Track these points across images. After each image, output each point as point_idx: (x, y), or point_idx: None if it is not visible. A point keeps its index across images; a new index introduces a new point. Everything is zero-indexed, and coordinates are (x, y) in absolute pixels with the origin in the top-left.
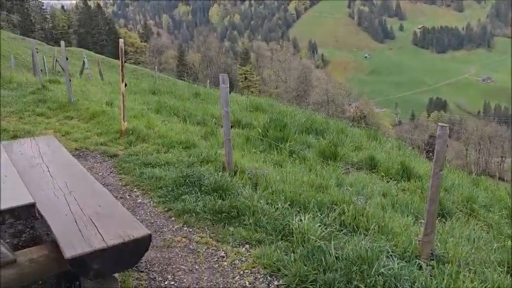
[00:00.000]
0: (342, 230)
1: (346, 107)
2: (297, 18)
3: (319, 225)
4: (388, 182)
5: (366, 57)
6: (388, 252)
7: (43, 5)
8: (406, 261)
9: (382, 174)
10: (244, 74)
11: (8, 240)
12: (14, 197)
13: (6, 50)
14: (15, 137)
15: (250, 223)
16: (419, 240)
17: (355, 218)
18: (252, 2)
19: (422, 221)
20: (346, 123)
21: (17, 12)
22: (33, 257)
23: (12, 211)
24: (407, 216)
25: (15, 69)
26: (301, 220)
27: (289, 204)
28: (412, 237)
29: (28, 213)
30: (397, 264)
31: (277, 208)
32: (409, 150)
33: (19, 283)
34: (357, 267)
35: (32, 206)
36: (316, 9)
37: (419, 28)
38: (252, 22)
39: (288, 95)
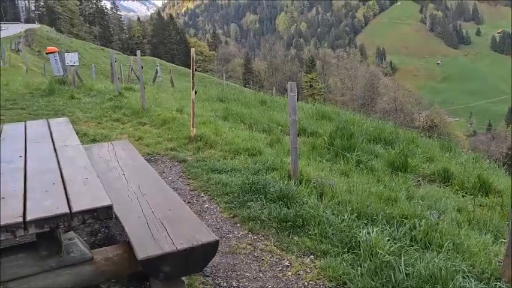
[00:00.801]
0: (413, 246)
1: (415, 115)
2: (365, 25)
3: (388, 240)
4: (463, 196)
5: (438, 64)
6: (464, 272)
7: (121, 17)
8: (484, 284)
9: (457, 188)
10: (310, 81)
11: (86, 238)
12: (94, 199)
13: (88, 59)
14: (94, 140)
15: (316, 233)
16: (499, 262)
17: (428, 233)
18: (319, 9)
19: (504, 240)
20: (417, 133)
21: (98, 25)
22: (109, 256)
23: (92, 212)
24: (486, 234)
25: (96, 77)
26: (368, 233)
27: (356, 216)
28: (491, 257)
29: (106, 214)
30: (475, 285)
31: (344, 219)
32: (487, 163)
33: (95, 280)
34: (430, 286)
35: (110, 207)
36: (386, 15)
37: (498, 32)
38: (318, 30)
39: (354, 103)
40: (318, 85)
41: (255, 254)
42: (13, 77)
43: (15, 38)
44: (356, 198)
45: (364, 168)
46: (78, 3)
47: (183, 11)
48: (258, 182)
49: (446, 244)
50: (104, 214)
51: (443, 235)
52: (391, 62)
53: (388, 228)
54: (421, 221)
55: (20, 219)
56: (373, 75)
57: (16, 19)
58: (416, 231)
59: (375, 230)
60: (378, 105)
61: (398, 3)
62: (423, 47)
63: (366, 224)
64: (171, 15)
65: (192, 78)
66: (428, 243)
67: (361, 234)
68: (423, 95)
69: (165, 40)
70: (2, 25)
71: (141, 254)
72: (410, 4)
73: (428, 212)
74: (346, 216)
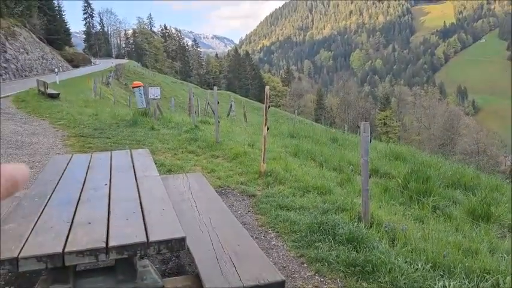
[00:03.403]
0: None
1: (501, 159)
2: (445, 62)
3: None
4: None
5: None
6: None
7: (201, 54)
8: None
9: None
10: (384, 119)
11: (157, 266)
12: (169, 230)
13: (168, 92)
14: (170, 171)
15: (386, 281)
16: None
17: None
18: (396, 46)
19: None
20: (501, 179)
21: (179, 60)
22: (178, 286)
23: (167, 243)
24: None
25: (174, 109)
26: (445, 286)
27: (430, 266)
28: None
29: (180, 245)
30: None
31: (417, 269)
32: None
33: None
34: None
35: (183, 239)
36: (468, 53)
37: None
38: (394, 67)
39: (432, 143)
40: (393, 123)
41: None
42: (102, 108)
43: (106, 72)
44: (431, 246)
45: (441, 215)
46: (163, 40)
47: (258, 47)
48: (326, 223)
49: None
50: (177, 245)
51: None
52: (473, 101)
53: (467, 283)
54: (505, 278)
55: (103, 245)
56: (453, 114)
57: (108, 55)
58: None
59: (452, 283)
60: (458, 146)
61: (483, 40)
62: (510, 86)
63: (442, 276)
64: (247, 52)
65: (265, 115)
66: None
67: (436, 286)
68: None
69: (240, 75)
70: (96, 60)
71: (208, 286)
72: (497, 41)
73: None
74: (420, 266)
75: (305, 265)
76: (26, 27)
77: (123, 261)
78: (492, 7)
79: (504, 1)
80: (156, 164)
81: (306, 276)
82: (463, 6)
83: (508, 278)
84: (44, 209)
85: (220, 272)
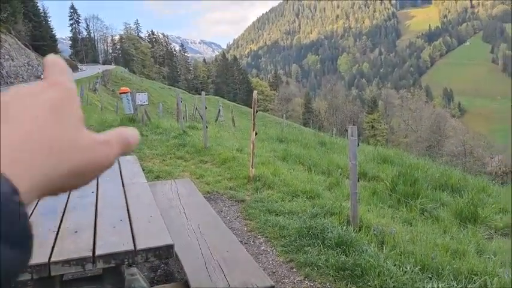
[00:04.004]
0: None
1: (487, 160)
2: (431, 65)
3: None
4: None
5: None
6: None
7: (188, 59)
8: None
9: None
10: (371, 122)
11: (146, 274)
12: (157, 237)
13: (156, 97)
14: (158, 177)
15: (375, 285)
16: None
17: None
18: (382, 50)
19: None
20: (488, 180)
21: (167, 66)
22: None
23: (155, 250)
24: None
25: (163, 115)
26: None
27: (419, 269)
28: None
29: (168, 253)
30: None
31: (406, 271)
32: None
33: None
34: None
35: (172, 247)
36: (453, 56)
37: None
38: (381, 70)
39: (419, 145)
40: (380, 126)
41: None
42: (90, 114)
43: (93, 78)
44: (420, 249)
45: (429, 217)
46: (150, 46)
47: (246, 52)
48: (315, 227)
49: None
50: (166, 253)
51: None
52: (459, 104)
53: (455, 285)
54: (493, 279)
55: (90, 254)
56: (440, 116)
57: (95, 61)
58: None
59: (440, 285)
60: (445, 148)
61: (467, 43)
62: (495, 88)
63: (431, 279)
64: (234, 57)
65: (253, 120)
66: None
67: None
68: (496, 139)
69: (228, 80)
70: (83, 67)
71: None
72: (481, 44)
73: (501, 269)
74: (408, 268)
75: (294, 270)
76: (10, 33)
77: (111, 269)
78: (476, 10)
79: (487, 1)
80: (144, 170)
81: (295, 281)
82: (448, 10)
83: (496, 278)
84: (29, 218)
85: (209, 278)
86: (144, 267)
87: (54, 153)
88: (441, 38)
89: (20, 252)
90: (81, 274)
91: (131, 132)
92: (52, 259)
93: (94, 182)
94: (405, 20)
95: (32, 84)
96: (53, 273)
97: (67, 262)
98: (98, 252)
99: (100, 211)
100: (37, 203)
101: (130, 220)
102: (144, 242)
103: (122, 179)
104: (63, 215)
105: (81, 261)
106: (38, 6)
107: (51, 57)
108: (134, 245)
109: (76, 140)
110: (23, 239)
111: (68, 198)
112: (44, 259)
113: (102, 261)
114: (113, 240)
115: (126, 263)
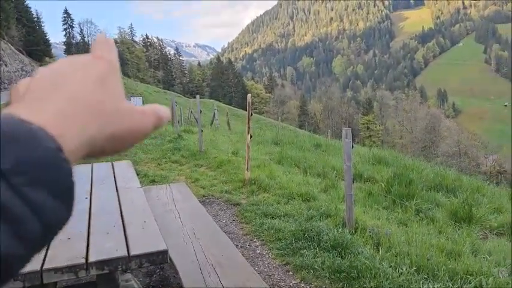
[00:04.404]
0: None
1: (482, 160)
2: (425, 66)
3: None
4: None
5: (505, 105)
6: None
7: (183, 62)
8: None
9: None
10: (367, 123)
11: (141, 279)
12: (151, 243)
13: (151, 101)
14: (153, 181)
15: (371, 286)
16: None
17: None
18: (376, 52)
19: None
20: (482, 181)
21: (161, 69)
22: None
23: (149, 256)
24: None
25: None
26: None
27: (415, 270)
28: None
29: (162, 259)
30: None
31: (402, 273)
32: None
33: None
34: None
35: (166, 252)
36: (447, 57)
37: None
38: (375, 71)
39: (414, 145)
40: (376, 127)
41: None
42: None
43: None
44: (415, 250)
45: (424, 218)
46: (145, 50)
47: (241, 55)
48: (311, 229)
49: None
50: (160, 258)
51: None
52: (453, 104)
53: (451, 285)
54: (488, 279)
55: (83, 261)
56: (434, 117)
57: None
58: None
59: (436, 286)
60: (440, 149)
61: (460, 44)
62: (488, 88)
63: (426, 279)
64: (229, 60)
65: (248, 123)
66: None
67: None
68: (490, 138)
69: (223, 83)
70: None
71: None
72: (474, 45)
73: (496, 269)
74: (404, 270)
75: (290, 273)
76: (4, 39)
77: (105, 276)
78: (468, 11)
79: (479, 2)
80: (139, 174)
81: (291, 284)
82: (440, 11)
83: (491, 278)
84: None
85: (205, 283)
86: (140, 273)
87: (99, 116)
88: (434, 39)
89: (61, 204)
90: (75, 281)
91: (164, 109)
92: (45, 266)
93: (88, 187)
94: (399, 21)
95: (81, 56)
96: (45, 281)
97: (60, 269)
98: (91, 259)
99: (94, 217)
100: None
101: (124, 226)
102: (138, 248)
103: (116, 184)
104: None
105: (74, 269)
106: (31, 12)
107: (102, 36)
108: (128, 251)
109: (118, 107)
110: (65, 194)
111: None
112: (36, 266)
113: (95, 268)
114: (106, 247)
115: (120, 269)
